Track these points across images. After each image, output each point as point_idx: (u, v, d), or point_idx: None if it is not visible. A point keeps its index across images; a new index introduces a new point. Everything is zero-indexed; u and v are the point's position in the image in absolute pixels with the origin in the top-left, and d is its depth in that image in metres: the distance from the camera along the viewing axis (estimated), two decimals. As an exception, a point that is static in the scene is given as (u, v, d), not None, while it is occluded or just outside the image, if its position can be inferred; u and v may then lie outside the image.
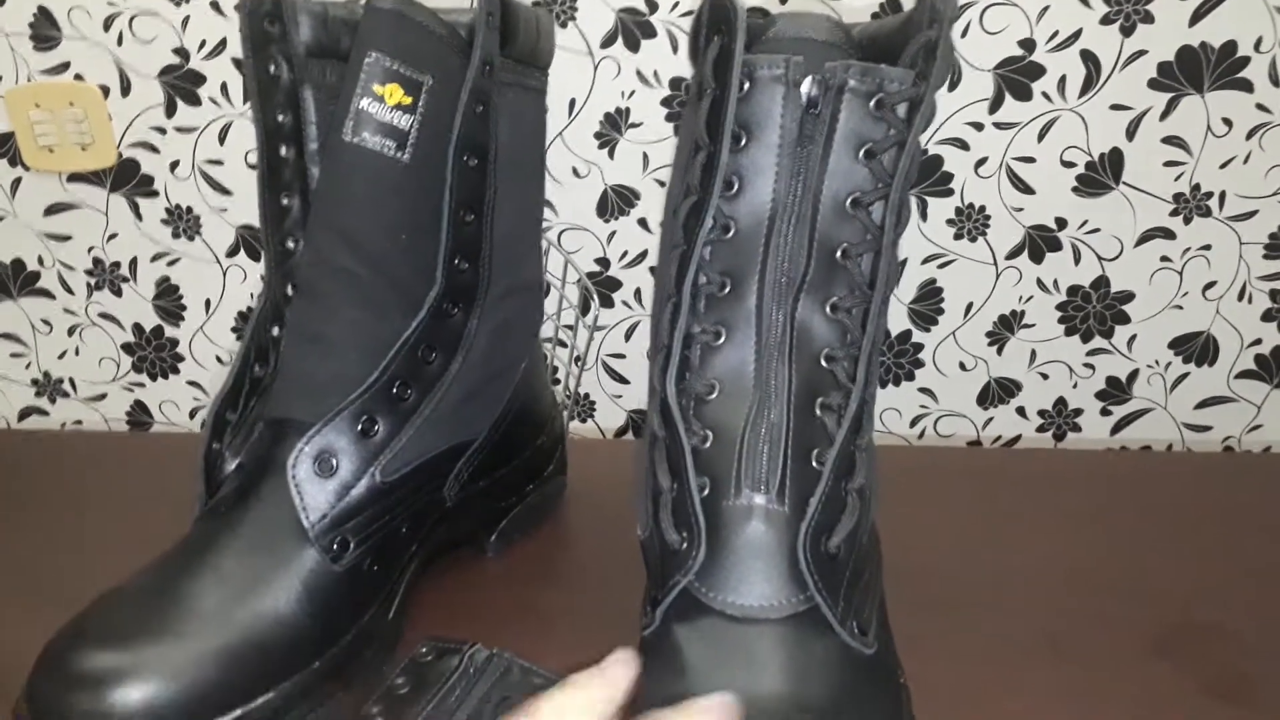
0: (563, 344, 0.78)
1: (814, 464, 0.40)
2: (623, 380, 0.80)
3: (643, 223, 0.74)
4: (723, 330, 0.42)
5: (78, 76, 0.71)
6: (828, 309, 0.41)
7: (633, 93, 0.70)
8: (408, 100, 0.43)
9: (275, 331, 0.47)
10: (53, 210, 0.76)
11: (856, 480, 0.40)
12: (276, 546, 0.43)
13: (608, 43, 0.68)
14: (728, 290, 0.42)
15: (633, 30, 0.68)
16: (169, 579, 0.42)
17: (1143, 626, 0.51)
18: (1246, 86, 0.67)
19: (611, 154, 0.72)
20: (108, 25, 0.69)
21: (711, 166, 0.40)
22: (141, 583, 0.42)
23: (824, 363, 0.41)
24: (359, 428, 0.45)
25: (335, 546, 0.44)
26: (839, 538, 0.39)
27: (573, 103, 0.70)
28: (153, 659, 0.38)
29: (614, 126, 0.71)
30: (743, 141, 0.40)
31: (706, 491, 0.40)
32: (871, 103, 0.38)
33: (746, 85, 0.39)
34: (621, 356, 0.79)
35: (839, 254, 0.41)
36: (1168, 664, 0.49)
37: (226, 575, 0.42)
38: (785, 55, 0.38)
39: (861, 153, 0.39)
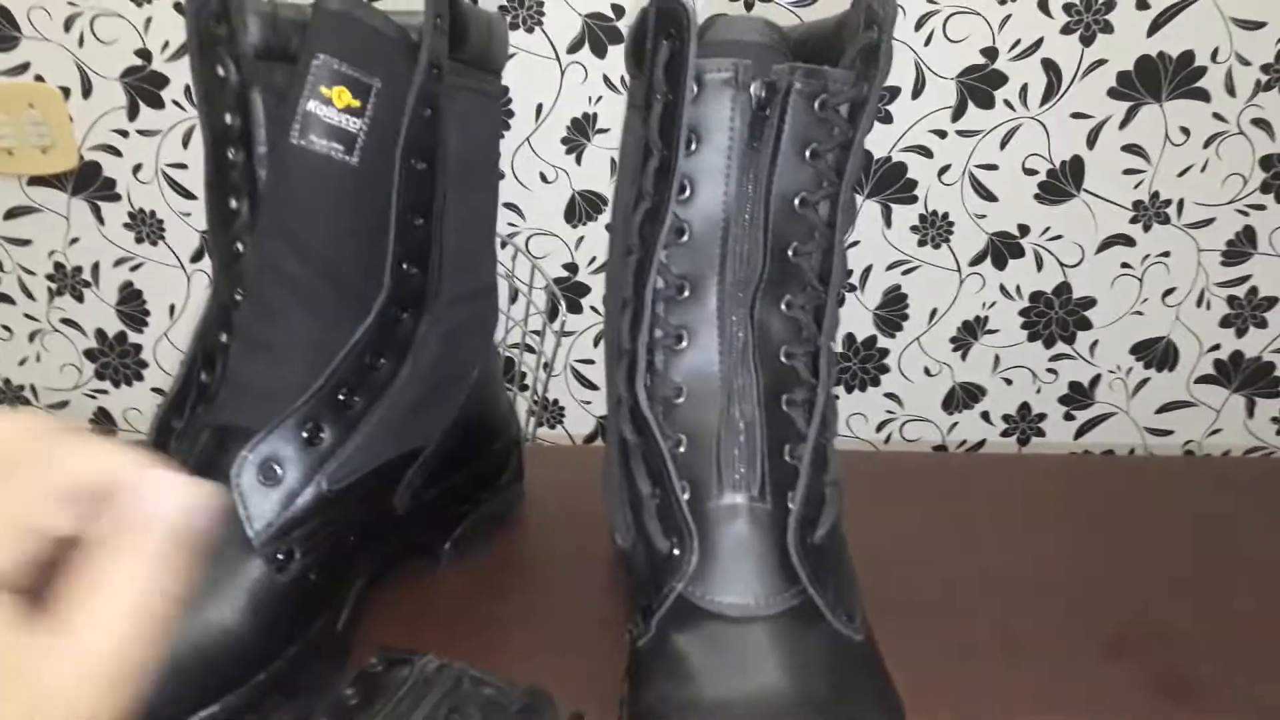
0: (530, 350, 0.78)
1: (788, 459, 0.41)
2: (591, 386, 0.80)
3: (610, 228, 0.74)
4: (684, 334, 0.42)
5: (38, 77, 0.70)
6: (783, 307, 0.42)
7: (600, 98, 0.70)
8: (356, 103, 0.43)
9: (223, 338, 0.47)
10: (12, 214, 0.75)
11: (831, 473, 0.41)
12: (220, 556, 0.42)
13: (574, 48, 0.69)
14: (687, 294, 0.42)
15: (599, 36, 0.68)
16: None
17: (1102, 629, 0.52)
18: (1204, 96, 0.68)
19: (579, 159, 0.72)
20: (68, 26, 0.68)
21: (666, 171, 0.40)
22: None
23: (784, 359, 0.42)
24: (304, 435, 0.44)
25: (280, 556, 0.43)
26: (823, 530, 0.40)
27: (540, 108, 0.70)
28: None
29: (581, 132, 0.71)
30: (693, 145, 0.40)
31: (688, 495, 0.41)
32: (816, 104, 0.39)
33: (695, 89, 0.39)
34: (590, 362, 0.79)
35: (790, 253, 0.41)
36: (1126, 666, 0.49)
37: None
38: (733, 59, 0.38)
39: (808, 153, 0.40)
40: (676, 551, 0.40)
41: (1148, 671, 0.49)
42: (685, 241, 0.41)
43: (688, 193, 0.40)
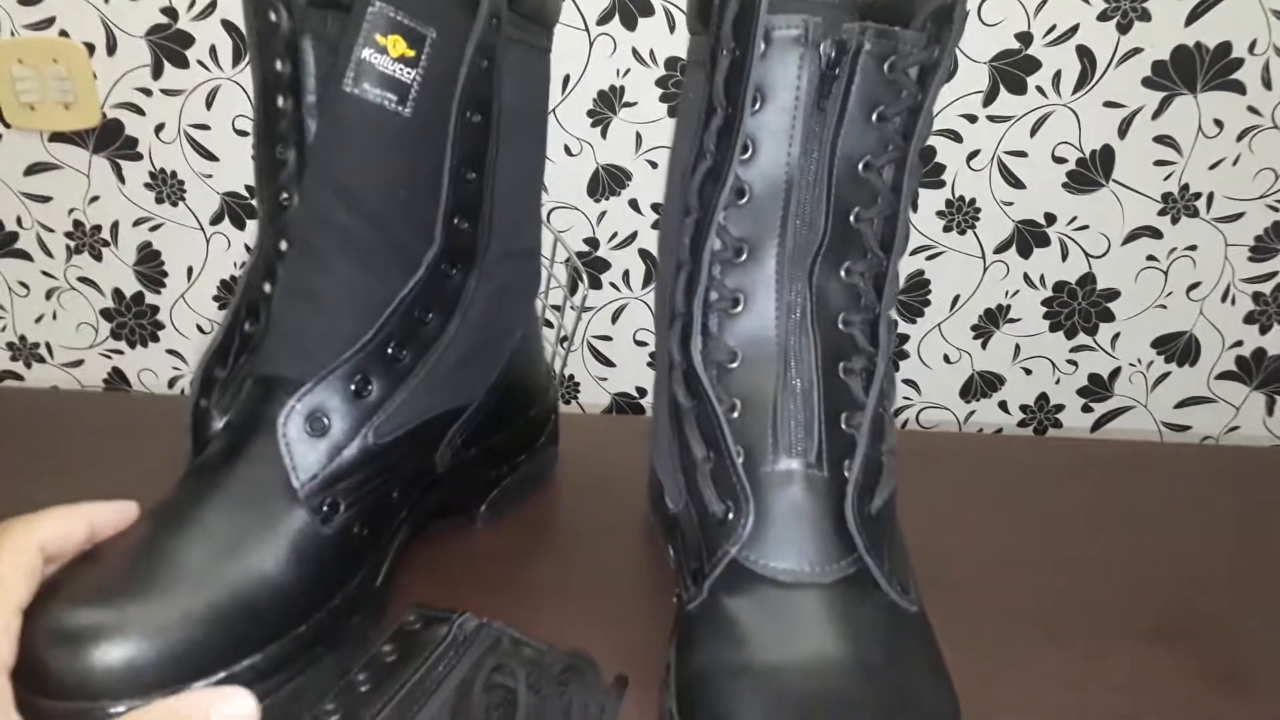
0: (549, 324, 0.77)
1: (845, 427, 0.41)
2: (608, 363, 0.80)
3: (634, 204, 0.73)
4: (741, 297, 0.42)
5: (63, 33, 0.69)
6: (842, 273, 0.41)
7: (628, 71, 0.69)
8: (411, 53, 0.42)
9: (267, 288, 0.46)
10: (33, 170, 0.74)
11: (888, 442, 0.41)
12: (265, 506, 0.42)
13: (604, 19, 0.68)
14: (745, 257, 0.41)
15: (630, 8, 0.67)
16: (154, 536, 0.41)
17: (1134, 612, 0.52)
18: (1239, 88, 0.68)
19: (604, 133, 0.71)
20: (96, -19, 0.67)
21: (729, 130, 0.40)
22: (125, 539, 0.41)
23: (842, 327, 0.41)
24: (352, 387, 0.44)
25: (325, 508, 0.43)
26: (880, 500, 0.40)
27: (566, 79, 0.70)
28: (136, 617, 0.37)
29: (608, 105, 0.70)
30: (758, 104, 0.39)
31: (743, 459, 0.40)
32: (885, 65, 0.38)
33: (763, 46, 0.38)
34: (608, 339, 0.79)
35: (852, 218, 0.40)
36: (1159, 650, 0.49)
37: (213, 534, 0.41)
38: (803, 15, 0.38)
39: (874, 116, 0.39)
40: (731, 515, 0.39)
41: (1186, 655, 0.49)
42: (745, 203, 0.41)
43: (750, 153, 0.40)
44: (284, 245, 0.45)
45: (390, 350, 0.45)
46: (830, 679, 0.36)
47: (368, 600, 0.46)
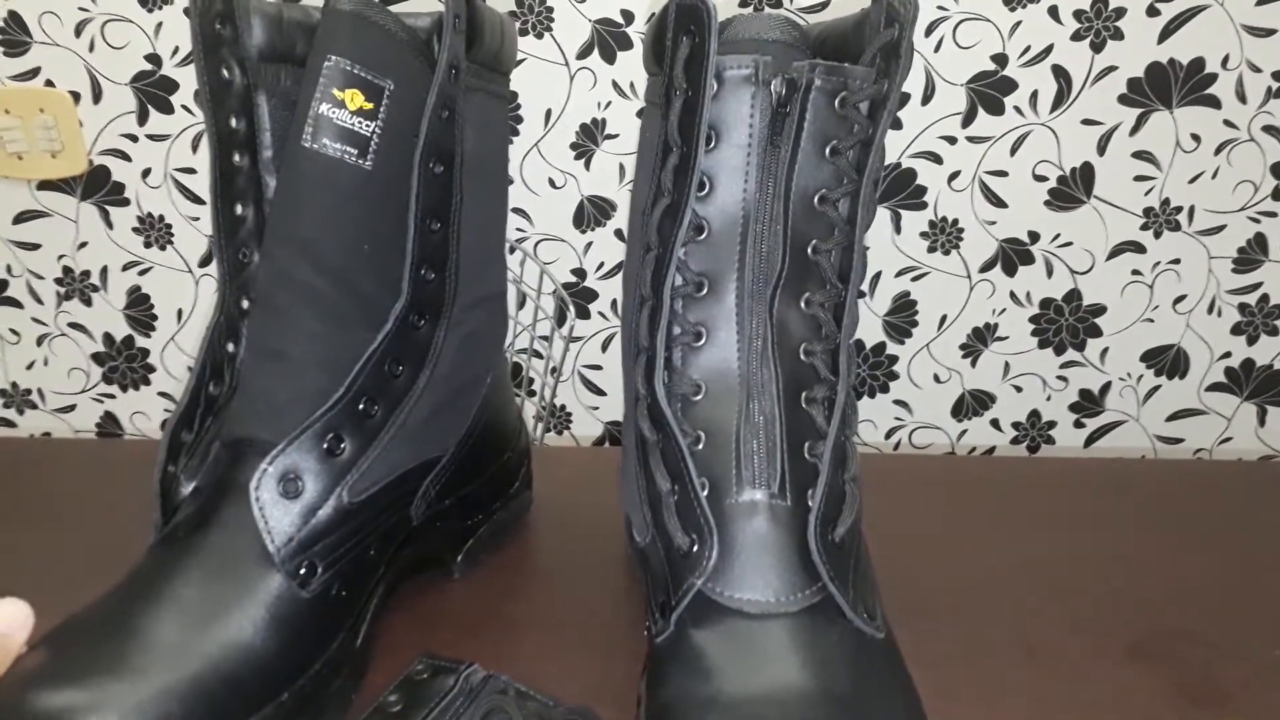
0: (539, 355, 0.78)
1: (808, 456, 0.41)
2: (599, 391, 0.80)
3: (619, 234, 0.74)
4: (703, 331, 0.42)
5: (48, 82, 0.70)
6: (802, 304, 0.42)
7: (609, 104, 0.70)
8: (369, 106, 0.42)
9: (230, 348, 0.46)
10: (22, 218, 0.75)
11: (850, 470, 0.41)
12: (240, 573, 0.41)
13: (584, 54, 0.69)
14: (706, 291, 0.42)
15: (609, 41, 0.68)
16: (126, 610, 0.40)
17: (1118, 631, 0.51)
18: (1214, 103, 0.68)
19: (588, 165, 0.72)
20: (79, 31, 0.68)
21: (685, 168, 0.40)
22: (98, 614, 0.40)
23: (804, 357, 0.42)
24: (324, 446, 0.43)
25: (303, 571, 0.42)
26: (844, 528, 0.40)
27: (549, 113, 0.70)
28: (113, 696, 0.36)
29: (590, 137, 0.71)
30: (713, 142, 0.40)
31: (707, 491, 0.41)
32: (836, 101, 0.39)
33: (715, 86, 0.39)
34: (598, 368, 0.79)
35: (810, 250, 0.41)
36: (1143, 668, 0.49)
37: (187, 605, 0.40)
38: (753, 55, 0.38)
39: (827, 150, 0.40)
40: (695, 548, 0.39)
41: (1169, 674, 0.48)
42: (704, 239, 0.41)
43: (707, 190, 0.40)
44: (245, 304, 0.45)
45: (362, 406, 0.44)
46: (797, 709, 0.36)
47: (349, 662, 0.45)
